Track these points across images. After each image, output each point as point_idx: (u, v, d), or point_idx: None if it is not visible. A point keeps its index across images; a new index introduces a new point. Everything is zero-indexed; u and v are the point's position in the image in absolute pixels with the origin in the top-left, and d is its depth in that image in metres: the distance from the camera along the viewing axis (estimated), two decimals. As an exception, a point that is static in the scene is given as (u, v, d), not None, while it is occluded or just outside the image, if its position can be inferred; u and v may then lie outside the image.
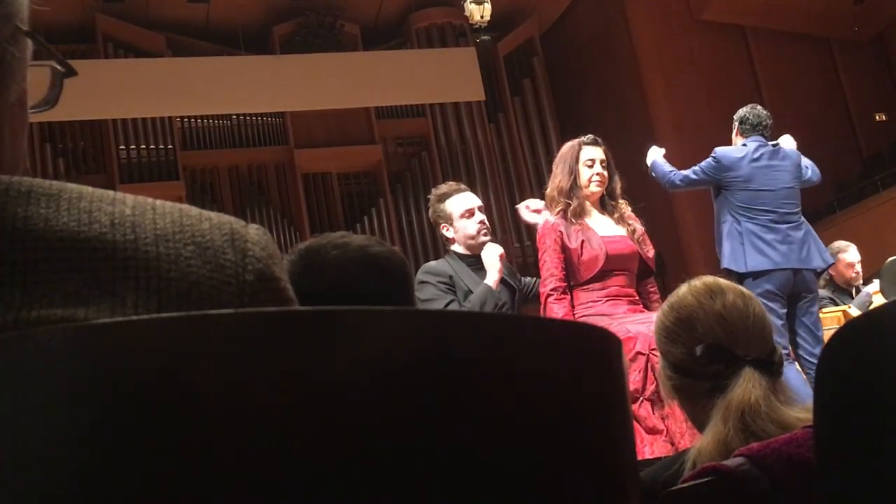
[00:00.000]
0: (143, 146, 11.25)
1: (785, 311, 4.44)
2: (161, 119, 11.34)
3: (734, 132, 4.89)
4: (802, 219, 4.67)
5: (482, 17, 9.81)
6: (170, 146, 11.36)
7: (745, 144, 4.74)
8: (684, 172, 4.80)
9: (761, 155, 4.69)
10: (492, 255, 3.63)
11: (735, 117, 4.89)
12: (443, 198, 3.75)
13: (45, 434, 0.44)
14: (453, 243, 3.75)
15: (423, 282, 3.60)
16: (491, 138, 12.47)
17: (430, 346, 0.48)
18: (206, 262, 0.66)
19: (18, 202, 0.63)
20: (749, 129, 4.79)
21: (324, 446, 0.44)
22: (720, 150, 4.76)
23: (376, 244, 1.67)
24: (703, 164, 4.76)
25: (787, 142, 4.89)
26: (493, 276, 3.58)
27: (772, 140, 4.81)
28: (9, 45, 0.73)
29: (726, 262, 4.54)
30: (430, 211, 3.82)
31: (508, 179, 12.44)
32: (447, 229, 3.73)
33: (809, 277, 4.55)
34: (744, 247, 4.52)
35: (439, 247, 11.23)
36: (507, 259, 3.82)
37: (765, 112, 4.86)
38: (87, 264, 0.62)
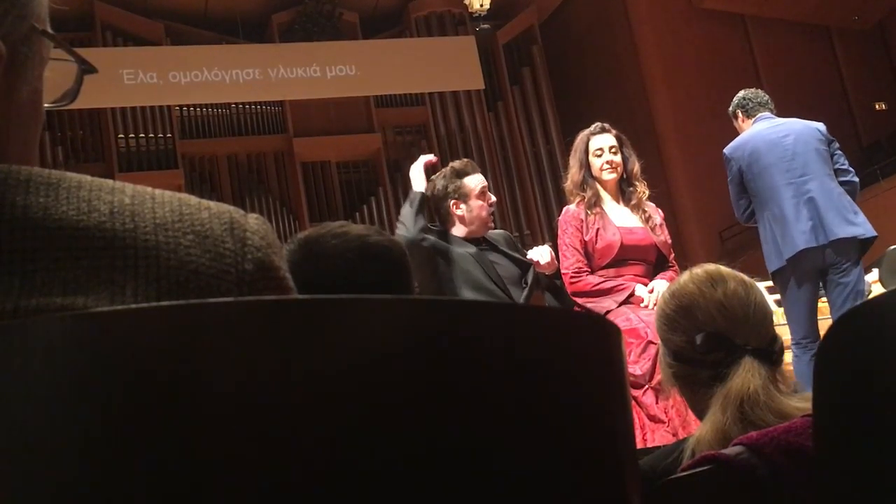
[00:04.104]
0: (142, 135, 11.25)
1: (817, 291, 4.26)
2: (160, 108, 11.32)
3: (739, 121, 4.63)
4: (830, 184, 4.30)
5: (481, 5, 9.80)
6: (168, 135, 11.35)
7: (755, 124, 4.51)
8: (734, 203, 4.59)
9: (770, 126, 4.44)
10: (418, 167, 3.64)
11: (735, 105, 4.64)
12: (461, 174, 3.58)
13: (43, 423, 0.44)
14: (455, 224, 3.59)
15: None
16: (490, 127, 12.46)
17: (428, 335, 0.48)
18: (206, 251, 0.66)
19: (17, 191, 0.63)
20: (756, 106, 4.55)
21: (321, 435, 0.45)
22: (726, 149, 4.53)
23: (375, 233, 1.67)
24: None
25: None
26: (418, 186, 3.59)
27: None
28: (22, 45, 0.73)
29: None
30: (441, 186, 3.58)
31: (507, 167, 12.44)
32: (458, 207, 3.55)
33: (837, 250, 4.22)
34: (776, 240, 4.32)
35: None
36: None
37: (763, 92, 4.67)
38: (85, 253, 0.62)
